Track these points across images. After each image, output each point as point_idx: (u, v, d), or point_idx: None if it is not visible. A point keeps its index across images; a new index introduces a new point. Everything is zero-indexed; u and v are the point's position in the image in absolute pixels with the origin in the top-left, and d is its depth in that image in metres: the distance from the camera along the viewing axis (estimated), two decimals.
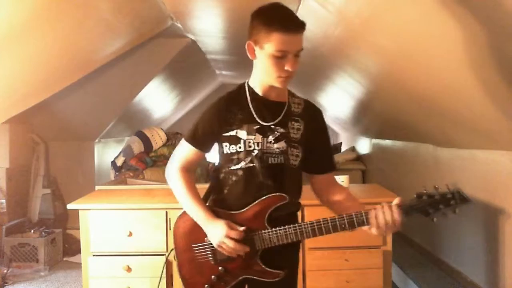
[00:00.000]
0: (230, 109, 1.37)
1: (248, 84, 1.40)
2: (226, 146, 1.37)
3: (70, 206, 2.47)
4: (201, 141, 1.40)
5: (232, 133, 1.36)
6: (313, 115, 1.44)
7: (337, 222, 1.27)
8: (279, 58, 1.25)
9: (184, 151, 1.42)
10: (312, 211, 2.41)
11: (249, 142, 1.34)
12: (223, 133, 1.37)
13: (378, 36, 2.27)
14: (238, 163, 1.35)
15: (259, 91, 1.38)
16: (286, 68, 1.26)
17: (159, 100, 5.41)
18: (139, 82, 4.22)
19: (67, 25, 2.59)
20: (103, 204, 2.48)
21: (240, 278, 1.36)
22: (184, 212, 1.42)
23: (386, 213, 1.26)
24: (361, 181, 5.21)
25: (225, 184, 1.39)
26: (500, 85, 1.78)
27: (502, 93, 1.83)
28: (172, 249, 1.44)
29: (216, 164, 1.47)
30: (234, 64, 5.30)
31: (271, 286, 1.35)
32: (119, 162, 4.07)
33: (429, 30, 1.81)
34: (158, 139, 4.19)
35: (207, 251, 1.37)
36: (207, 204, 1.44)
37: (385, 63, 2.59)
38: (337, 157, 5.54)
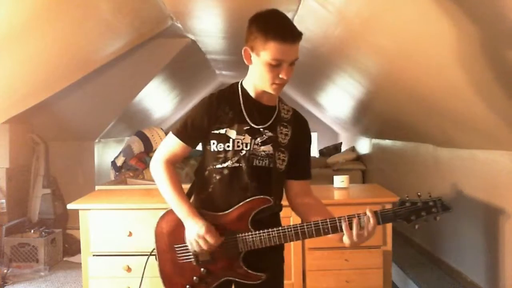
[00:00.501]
0: (221, 107, 1.37)
1: (241, 85, 1.41)
2: (213, 143, 1.36)
3: (70, 206, 2.47)
4: (189, 135, 1.39)
5: (222, 131, 1.36)
6: (300, 123, 1.46)
7: (320, 226, 1.27)
8: (274, 66, 1.26)
9: (171, 144, 1.41)
10: None
11: (238, 142, 1.35)
12: (212, 130, 1.37)
13: (378, 36, 2.27)
14: (224, 162, 1.36)
15: (251, 93, 1.39)
16: (280, 76, 1.27)
17: (159, 100, 5.41)
18: (139, 82, 4.22)
19: (67, 25, 2.59)
20: (103, 204, 2.48)
21: (222, 279, 1.35)
22: (167, 213, 1.41)
23: (362, 222, 1.26)
24: (361, 181, 5.21)
25: (209, 182, 1.39)
26: (500, 85, 1.78)
27: (502, 93, 1.83)
28: (153, 249, 1.44)
29: (201, 160, 1.45)
30: (234, 64, 5.30)
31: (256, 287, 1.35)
32: (119, 162, 4.07)
33: (429, 30, 1.81)
34: (158, 139, 4.19)
35: (189, 252, 1.36)
36: (192, 201, 1.43)
37: (385, 63, 2.59)
38: (337, 157, 5.55)
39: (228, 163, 1.35)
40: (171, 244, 1.39)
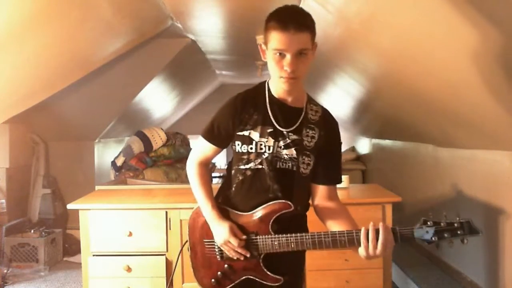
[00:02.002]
0: (246, 108, 1.37)
1: (268, 84, 1.40)
2: (238, 144, 1.38)
3: (70, 206, 2.47)
4: (216, 137, 1.42)
5: (246, 133, 1.36)
6: (329, 125, 1.42)
7: (337, 238, 1.25)
8: (279, 58, 1.24)
9: (201, 146, 1.46)
10: (311, 210, 2.41)
11: (261, 145, 1.35)
12: (237, 132, 1.37)
13: (378, 36, 2.27)
14: (247, 163, 1.37)
15: (275, 93, 1.38)
16: (285, 68, 1.24)
17: (159, 100, 5.41)
18: (139, 82, 4.22)
19: (67, 25, 2.59)
20: (103, 204, 2.48)
21: (243, 277, 1.37)
22: (199, 207, 1.45)
23: (381, 235, 1.18)
24: (361, 181, 5.21)
25: (233, 181, 1.42)
26: (500, 85, 1.78)
27: (502, 93, 1.83)
28: (186, 241, 1.48)
29: (230, 160, 1.48)
30: (234, 64, 5.30)
31: None
32: (119, 162, 4.07)
33: (429, 30, 1.81)
34: (158, 139, 4.19)
35: (215, 247, 1.40)
36: (219, 199, 1.46)
37: (385, 63, 2.59)
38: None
39: (251, 165, 1.36)
40: (201, 238, 1.44)
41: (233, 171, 1.42)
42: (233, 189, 1.41)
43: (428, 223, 1.17)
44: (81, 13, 2.54)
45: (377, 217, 2.40)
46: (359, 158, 5.52)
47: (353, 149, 5.91)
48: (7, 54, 2.52)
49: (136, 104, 4.67)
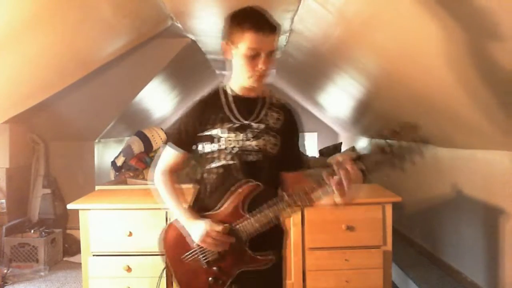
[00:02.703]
0: (207, 109, 1.41)
1: (226, 85, 1.45)
2: (205, 145, 1.40)
3: (70, 206, 2.47)
4: (182, 141, 1.44)
5: (210, 132, 1.39)
6: (291, 112, 1.48)
7: (306, 188, 1.29)
8: (252, 57, 1.30)
9: (167, 154, 1.47)
10: (311, 210, 2.41)
11: (226, 140, 1.38)
12: (201, 133, 1.40)
13: (378, 36, 2.27)
14: (216, 162, 1.39)
15: (236, 90, 1.42)
16: (259, 66, 1.30)
17: (159, 100, 5.41)
18: (139, 82, 4.22)
19: (67, 25, 2.59)
20: (103, 204, 2.48)
21: (236, 273, 1.37)
22: (167, 228, 1.47)
23: (352, 175, 1.23)
24: (361, 181, 5.20)
25: (206, 183, 1.42)
26: (500, 85, 1.78)
27: (502, 93, 1.83)
28: (164, 268, 1.46)
29: (197, 166, 1.50)
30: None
31: (261, 277, 1.37)
32: (119, 162, 4.07)
33: (429, 30, 1.80)
34: (158, 139, 4.18)
35: (198, 256, 1.38)
36: (195, 208, 1.45)
37: (385, 63, 2.59)
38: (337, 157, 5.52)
39: (222, 162, 1.38)
40: (179, 255, 1.42)
41: (204, 174, 1.43)
42: (208, 189, 1.42)
43: (386, 149, 1.26)
44: (81, 13, 2.54)
45: (377, 217, 2.40)
46: (359, 158, 5.51)
47: (353, 149, 5.91)
48: (7, 54, 2.52)
49: (136, 104, 4.66)
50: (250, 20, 1.30)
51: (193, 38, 3.88)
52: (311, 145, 7.48)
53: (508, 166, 2.33)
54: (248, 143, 1.37)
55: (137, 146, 4.10)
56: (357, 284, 2.42)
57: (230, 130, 1.38)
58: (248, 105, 1.41)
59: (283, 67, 5.05)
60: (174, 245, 1.43)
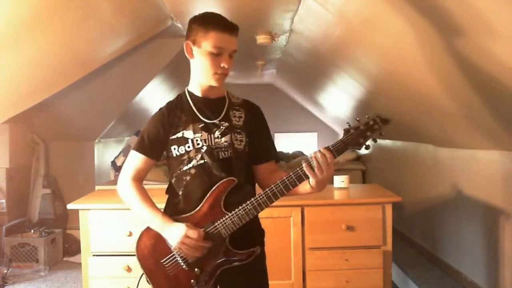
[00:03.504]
0: (173, 113, 1.44)
1: (187, 90, 1.48)
2: (175, 149, 1.41)
3: (70, 206, 2.47)
4: (149, 147, 1.44)
5: (179, 134, 1.41)
6: (252, 107, 1.51)
7: (286, 181, 1.31)
8: (216, 56, 1.35)
9: (134, 160, 1.46)
10: (311, 210, 2.41)
11: (197, 140, 1.39)
12: (170, 136, 1.42)
13: (378, 36, 2.27)
14: (189, 162, 1.39)
15: (198, 92, 1.45)
16: (222, 65, 1.35)
17: (159, 100, 5.41)
18: (139, 82, 4.22)
19: (67, 25, 2.59)
20: (103, 204, 2.48)
21: (218, 272, 1.36)
22: (141, 235, 1.45)
23: (319, 158, 1.29)
24: (361, 181, 5.21)
25: (179, 187, 1.42)
26: (500, 85, 1.78)
27: (502, 93, 1.83)
28: (142, 275, 1.45)
29: (168, 172, 1.49)
30: (234, 64, 5.27)
31: (244, 272, 1.37)
32: (119, 162, 4.07)
33: (428, 30, 1.81)
34: None
35: (177, 259, 1.37)
36: (167, 212, 1.45)
37: (385, 63, 2.59)
38: (337, 157, 5.53)
39: (193, 163, 1.39)
40: (157, 261, 1.41)
41: (174, 179, 1.43)
42: (181, 192, 1.41)
43: (351, 131, 1.31)
44: (81, 13, 2.54)
45: (377, 217, 2.40)
46: (359, 158, 5.52)
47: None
48: (7, 54, 2.52)
49: (136, 104, 4.66)
50: (214, 21, 1.37)
51: None
52: (311, 145, 7.48)
53: (508, 166, 2.33)
54: (217, 140, 1.39)
55: None
56: (357, 284, 2.42)
57: (197, 130, 1.40)
58: (210, 105, 1.44)
59: (283, 67, 5.05)
60: (152, 251, 1.42)
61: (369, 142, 1.32)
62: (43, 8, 2.26)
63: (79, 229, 2.46)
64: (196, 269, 1.36)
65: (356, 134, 1.30)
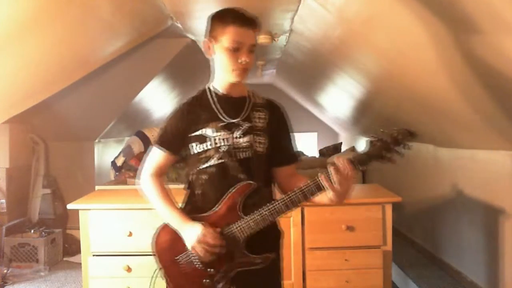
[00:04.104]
0: (194, 110, 1.42)
1: (209, 87, 1.47)
2: (193, 146, 1.40)
3: (70, 206, 2.47)
4: (169, 143, 1.43)
5: (199, 132, 1.39)
6: (275, 108, 1.48)
7: (305, 189, 1.28)
8: (234, 51, 1.33)
9: (154, 156, 1.46)
10: (311, 211, 2.41)
11: (216, 139, 1.37)
12: (190, 133, 1.40)
13: (378, 36, 2.27)
14: (207, 161, 1.38)
15: (220, 89, 1.43)
16: (240, 60, 1.33)
17: (159, 100, 5.41)
18: (139, 82, 4.22)
19: (67, 25, 2.59)
20: (103, 204, 2.48)
21: (231, 274, 1.36)
22: (161, 230, 1.44)
23: (339, 169, 1.24)
24: (361, 181, 5.21)
25: (196, 185, 1.41)
26: (500, 85, 1.78)
27: (502, 93, 1.83)
28: (159, 269, 1.44)
29: (186, 168, 1.48)
30: None
31: (258, 277, 1.35)
32: (119, 162, 4.07)
33: (428, 30, 1.81)
34: None
35: (192, 257, 1.37)
36: (186, 210, 1.44)
37: (385, 63, 2.59)
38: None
39: (212, 162, 1.38)
40: (173, 258, 1.41)
41: (193, 177, 1.42)
42: (200, 191, 1.40)
43: (375, 142, 1.26)
44: (81, 13, 2.54)
45: (377, 217, 2.40)
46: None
47: (353, 149, 5.91)
48: (7, 54, 2.52)
49: (136, 104, 4.66)
50: (232, 15, 1.35)
51: (193, 38, 3.88)
52: (311, 145, 7.48)
53: (508, 166, 2.33)
54: (237, 140, 1.37)
55: (137, 146, 4.10)
56: (357, 284, 2.42)
57: (218, 129, 1.38)
58: (233, 104, 1.42)
59: (283, 67, 5.05)
60: (168, 247, 1.41)
61: (393, 155, 1.26)
62: (43, 8, 2.26)
63: (79, 229, 2.46)
64: (209, 269, 1.36)
65: (380, 146, 1.26)
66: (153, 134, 4.19)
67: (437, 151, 3.14)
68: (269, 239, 1.41)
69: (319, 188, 1.27)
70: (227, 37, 1.33)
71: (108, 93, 4.08)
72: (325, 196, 1.29)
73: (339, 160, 1.25)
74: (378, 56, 2.57)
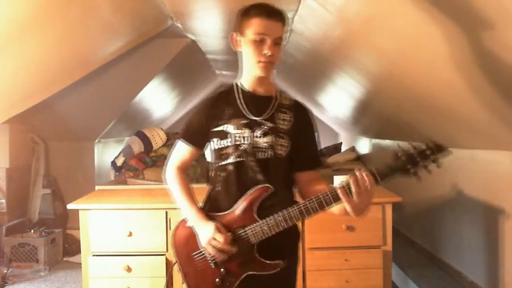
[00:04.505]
0: (218, 105, 1.41)
1: (237, 82, 1.45)
2: (215, 141, 1.39)
3: (70, 206, 2.47)
4: (192, 137, 1.44)
5: (221, 128, 1.39)
6: (302, 110, 1.46)
7: (322, 199, 1.25)
8: (259, 43, 1.31)
9: (179, 150, 1.47)
10: None
11: (237, 137, 1.36)
12: (212, 128, 1.39)
13: (379, 36, 2.27)
14: (227, 158, 1.37)
15: (247, 86, 1.41)
16: (264, 52, 1.30)
17: (159, 100, 5.41)
18: (139, 82, 4.22)
19: (67, 25, 2.59)
20: (103, 204, 2.48)
21: (243, 276, 1.35)
22: (178, 225, 1.45)
23: (358, 182, 1.19)
24: None
25: (216, 181, 1.41)
26: (500, 85, 1.78)
27: (502, 93, 1.83)
28: (175, 263, 1.45)
29: (208, 162, 1.48)
30: (234, 64, 5.29)
31: (271, 281, 1.35)
32: (119, 162, 4.07)
33: (428, 30, 1.80)
34: (158, 139, 4.18)
35: (206, 255, 1.38)
36: (206, 206, 1.45)
37: (385, 63, 2.59)
38: (337, 157, 5.54)
39: (231, 159, 1.36)
40: (189, 253, 1.41)
41: (213, 172, 1.42)
42: (218, 188, 1.40)
43: (400, 155, 1.20)
44: (81, 13, 2.54)
45: (377, 217, 2.40)
46: (359, 158, 5.52)
47: (353, 149, 5.91)
48: (7, 54, 2.51)
49: (136, 104, 4.67)
50: (257, 7, 1.33)
51: (193, 38, 3.88)
52: None
53: (508, 166, 2.33)
54: (257, 140, 1.36)
55: (137, 146, 4.10)
56: (357, 284, 2.42)
57: (240, 126, 1.37)
58: (258, 102, 1.40)
59: (283, 67, 5.05)
60: (186, 242, 1.42)
61: (419, 170, 1.20)
62: (43, 8, 2.26)
63: (79, 229, 2.46)
64: (222, 270, 1.36)
65: (405, 159, 1.20)
66: (153, 134, 4.19)
67: None
68: (284, 244, 1.39)
69: (337, 199, 1.23)
70: (251, 29, 1.32)
71: (108, 93, 4.08)
72: (342, 207, 1.24)
73: (359, 172, 1.20)
74: (378, 56, 2.57)
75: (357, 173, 1.19)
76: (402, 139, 3.91)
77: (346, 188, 1.20)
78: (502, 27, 1.48)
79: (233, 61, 5.01)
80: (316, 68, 3.77)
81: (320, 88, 4.55)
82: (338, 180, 2.79)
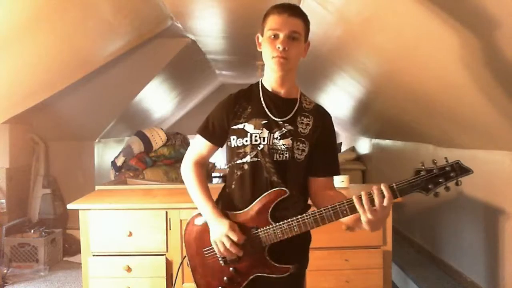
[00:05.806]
0: (239, 103, 1.40)
1: (261, 81, 1.44)
2: (234, 139, 1.38)
3: (70, 206, 2.47)
4: (213, 134, 1.42)
5: (240, 126, 1.38)
6: (323, 116, 1.44)
7: (338, 209, 1.24)
8: (273, 39, 1.31)
9: (197, 144, 1.46)
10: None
11: (255, 136, 1.35)
12: (232, 126, 1.39)
13: (378, 36, 2.27)
14: (244, 157, 1.36)
15: (269, 86, 1.41)
16: (277, 46, 1.30)
17: (159, 100, 5.41)
18: (139, 82, 4.22)
19: (68, 25, 2.59)
20: (103, 204, 2.48)
21: (251, 276, 1.35)
22: (192, 219, 1.44)
23: (376, 196, 1.17)
24: (361, 181, 5.21)
25: (231, 179, 1.41)
26: (500, 85, 1.78)
27: (502, 93, 1.83)
28: (185, 257, 1.45)
29: (227, 159, 1.47)
30: (234, 64, 5.30)
31: (279, 283, 1.34)
32: (119, 162, 4.07)
33: (428, 31, 1.81)
34: (158, 139, 4.19)
35: (216, 253, 1.37)
36: (220, 202, 1.45)
37: (385, 63, 2.59)
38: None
39: (247, 159, 1.36)
40: (199, 249, 1.41)
41: (229, 170, 1.42)
42: (233, 186, 1.40)
43: (422, 172, 1.17)
44: (81, 13, 2.54)
45: None
46: (359, 158, 5.52)
47: (353, 149, 5.91)
48: (7, 54, 2.52)
49: (136, 104, 4.67)
50: (273, 6, 1.34)
51: (193, 38, 3.88)
52: None
53: (508, 166, 2.33)
54: (275, 141, 1.35)
55: (137, 146, 4.10)
56: (357, 284, 2.42)
57: (259, 126, 1.36)
58: (280, 103, 1.39)
59: None
60: (197, 237, 1.42)
61: (439, 189, 1.18)
62: (43, 8, 2.26)
63: (79, 229, 2.46)
64: (231, 269, 1.36)
65: (426, 177, 1.18)
66: (153, 134, 4.20)
67: (437, 151, 3.14)
68: (295, 248, 1.38)
69: (353, 210, 1.22)
70: (267, 26, 1.33)
71: (108, 93, 4.08)
72: (358, 220, 1.23)
73: (378, 186, 1.18)
74: (378, 56, 2.57)
75: (375, 188, 1.18)
76: (402, 139, 3.91)
77: (364, 200, 1.19)
78: (504, 27, 1.48)
79: (233, 61, 5.02)
80: (316, 68, 3.77)
81: (320, 88, 4.55)
82: (338, 180, 2.79)
